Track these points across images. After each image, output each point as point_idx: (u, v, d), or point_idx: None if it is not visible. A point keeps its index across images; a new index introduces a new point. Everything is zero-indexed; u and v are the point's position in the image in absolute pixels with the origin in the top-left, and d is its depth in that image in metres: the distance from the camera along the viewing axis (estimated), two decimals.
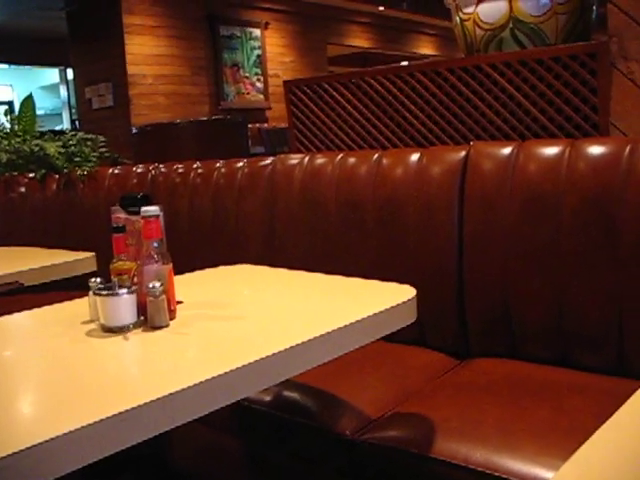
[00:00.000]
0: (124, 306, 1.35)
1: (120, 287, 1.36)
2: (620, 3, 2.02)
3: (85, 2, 7.08)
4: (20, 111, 3.62)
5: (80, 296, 1.57)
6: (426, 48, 12.09)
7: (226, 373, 1.10)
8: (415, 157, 2.11)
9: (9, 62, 10.06)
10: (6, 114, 3.66)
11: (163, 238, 1.38)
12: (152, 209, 1.36)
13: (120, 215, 1.44)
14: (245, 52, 8.30)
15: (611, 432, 0.84)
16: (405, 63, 2.68)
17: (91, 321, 1.43)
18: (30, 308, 1.71)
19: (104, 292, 1.36)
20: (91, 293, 1.41)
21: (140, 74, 7.01)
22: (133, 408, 0.99)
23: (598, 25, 2.33)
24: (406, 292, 1.49)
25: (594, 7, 2.37)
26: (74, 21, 7.36)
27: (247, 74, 8.32)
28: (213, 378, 1.09)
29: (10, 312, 1.65)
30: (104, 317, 1.37)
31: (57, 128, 8.50)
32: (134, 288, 1.36)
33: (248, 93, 8.31)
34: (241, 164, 2.57)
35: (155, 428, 1.02)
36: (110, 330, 1.35)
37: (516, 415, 1.55)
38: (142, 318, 1.37)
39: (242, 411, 1.83)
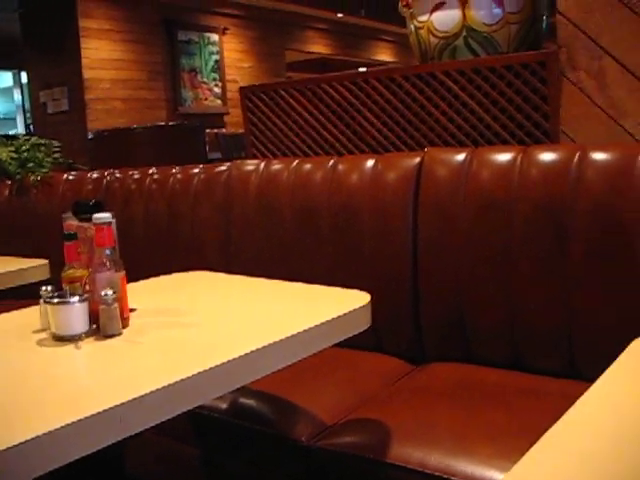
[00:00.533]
0: (76, 315, 1.33)
1: (72, 295, 1.34)
2: (569, 15, 2.07)
3: (40, 4, 6.98)
4: None
5: (32, 304, 1.55)
6: (384, 54, 12.19)
7: (181, 381, 1.10)
8: (370, 163, 2.12)
9: None
10: None
11: (116, 245, 1.37)
12: (104, 216, 1.34)
13: (72, 222, 1.43)
14: (203, 57, 8.26)
15: (561, 432, 0.86)
16: (363, 69, 2.69)
17: (42, 330, 1.41)
18: None
19: (55, 300, 1.34)
20: (42, 302, 1.39)
21: (96, 78, 6.94)
22: (86, 417, 0.98)
23: (549, 35, 2.38)
24: (360, 298, 1.50)
25: (544, 17, 2.42)
26: (28, 23, 7.25)
27: (205, 79, 8.29)
28: (167, 386, 1.08)
29: None
30: (55, 326, 1.35)
31: (11, 133, 8.36)
32: (86, 296, 1.34)
33: (206, 99, 8.28)
34: (197, 170, 2.56)
35: (108, 438, 1.01)
36: (62, 339, 1.33)
37: (471, 418, 1.57)
38: (94, 326, 1.35)
39: (197, 418, 1.82)
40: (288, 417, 1.72)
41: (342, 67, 9.68)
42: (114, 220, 1.36)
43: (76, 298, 1.33)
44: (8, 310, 1.62)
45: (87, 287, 1.37)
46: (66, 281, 1.38)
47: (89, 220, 1.38)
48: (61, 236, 1.40)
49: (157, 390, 1.07)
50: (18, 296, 2.28)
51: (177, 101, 7.87)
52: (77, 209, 1.42)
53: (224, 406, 1.78)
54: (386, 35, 11.75)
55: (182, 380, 1.10)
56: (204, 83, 8.25)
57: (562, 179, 1.76)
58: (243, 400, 1.79)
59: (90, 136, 5.66)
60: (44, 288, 1.41)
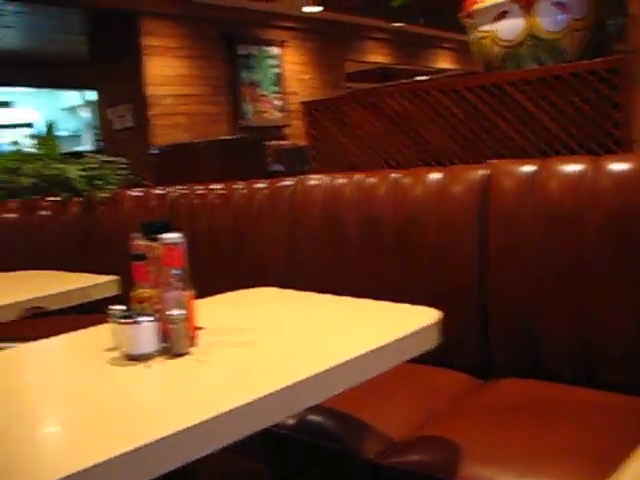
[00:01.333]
0: (146, 334, 1.35)
1: (141, 315, 1.36)
2: None
3: (104, 26, 7.16)
4: (43, 135, 3.67)
5: (97, 319, 1.57)
6: (444, 62, 12.09)
7: (252, 402, 1.10)
8: (435, 176, 2.10)
9: (33, 86, 10.20)
10: (32, 138, 3.70)
11: (184, 265, 1.38)
12: (173, 237, 1.36)
13: (140, 242, 1.44)
14: (263, 70, 8.34)
15: None
16: (421, 78, 2.67)
17: (113, 349, 1.43)
18: (54, 332, 1.71)
19: (126, 320, 1.36)
20: (112, 321, 1.42)
21: (159, 95, 7.07)
22: (162, 438, 0.99)
23: (617, 39, 2.32)
24: (430, 315, 1.48)
25: (611, 21, 2.36)
26: (94, 44, 7.45)
27: (265, 92, 8.36)
28: (239, 407, 1.08)
29: (34, 337, 1.66)
30: (126, 345, 1.37)
31: (79, 149, 8.59)
32: (156, 316, 1.36)
33: (266, 111, 8.35)
34: (261, 185, 2.57)
35: (182, 458, 1.02)
36: (133, 358, 1.35)
37: (541, 437, 1.53)
38: (164, 345, 1.37)
39: (267, 436, 1.82)
40: (356, 434, 1.71)
41: (402, 76, 9.64)
42: (184, 240, 1.37)
43: (146, 318, 1.35)
44: (75, 325, 1.66)
45: (156, 306, 1.39)
46: (135, 301, 1.40)
47: (157, 240, 1.39)
48: (129, 255, 1.42)
49: (228, 411, 1.07)
50: (81, 310, 2.34)
51: (238, 115, 7.96)
52: (145, 229, 1.44)
53: (293, 422, 1.78)
54: (446, 42, 11.66)
55: (254, 401, 1.10)
56: (264, 96, 8.33)
57: (635, 189, 1.70)
58: (312, 417, 1.78)
59: (153, 151, 5.76)
60: (113, 307, 1.43)
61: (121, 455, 0.94)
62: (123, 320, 1.36)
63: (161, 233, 1.39)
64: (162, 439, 0.99)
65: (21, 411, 1.21)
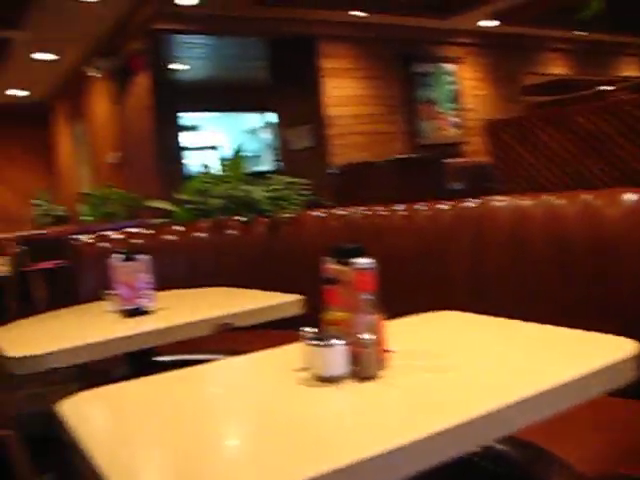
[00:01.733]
0: (337, 357, 1.38)
1: (333, 338, 1.39)
2: None
3: (284, 51, 7.46)
4: (231, 158, 3.86)
5: (289, 336, 1.61)
6: (629, 69, 11.44)
7: (446, 430, 1.09)
8: (631, 197, 1.98)
9: (219, 110, 10.86)
10: (221, 160, 3.90)
11: (375, 290, 1.40)
12: (365, 262, 1.38)
13: (331, 266, 1.48)
14: (439, 88, 8.31)
15: None
16: (604, 88, 2.54)
17: (302, 369, 1.47)
18: (241, 349, 1.80)
19: (317, 343, 1.40)
20: (304, 342, 1.46)
21: (336, 115, 7.24)
22: (356, 463, 1.00)
23: None
24: (627, 346, 1.40)
25: None
26: (275, 69, 7.77)
27: (442, 110, 8.32)
28: (432, 435, 1.08)
29: (221, 352, 1.75)
30: (317, 367, 1.40)
31: (259, 169, 8.97)
32: (347, 340, 1.38)
33: (443, 129, 8.31)
34: (444, 207, 2.55)
35: None
36: (323, 380, 1.39)
37: None
38: (354, 368, 1.39)
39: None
40: (544, 466, 1.64)
41: (580, 87, 9.22)
42: (375, 265, 1.39)
43: (337, 341, 1.38)
44: (262, 342, 1.71)
45: (347, 329, 1.41)
46: (327, 323, 1.43)
47: (349, 264, 1.42)
48: (321, 279, 1.46)
49: (422, 438, 1.07)
50: (269, 325, 2.43)
51: (414, 133, 7.98)
52: (336, 253, 1.47)
53: (477, 449, 1.74)
54: (630, 48, 11.04)
55: (447, 429, 1.09)
56: (441, 113, 8.29)
57: None
58: (497, 445, 1.74)
59: (330, 171, 5.90)
60: (305, 329, 1.47)
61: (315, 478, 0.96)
62: (315, 342, 1.39)
63: (352, 257, 1.41)
64: (351, 465, 1.00)
65: (209, 426, 1.28)
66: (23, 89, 8.33)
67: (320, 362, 1.39)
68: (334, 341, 1.38)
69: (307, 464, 1.02)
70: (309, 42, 7.20)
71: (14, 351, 1.98)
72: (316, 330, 1.45)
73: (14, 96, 8.64)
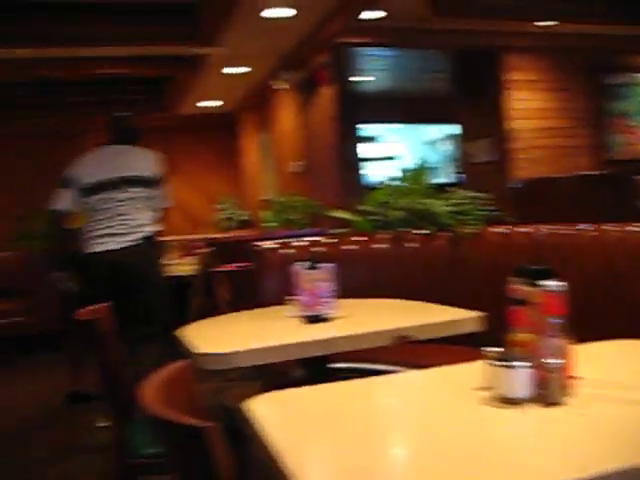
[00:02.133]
0: (521, 379, 1.36)
1: (517, 360, 1.37)
2: None
3: (468, 63, 7.38)
4: (412, 170, 3.88)
5: (463, 353, 1.60)
6: None
7: (633, 469, 1.04)
8: None
9: (400, 122, 10.96)
10: (403, 172, 3.92)
11: (565, 314, 1.36)
12: (555, 284, 1.35)
13: (519, 287, 1.46)
14: (632, 100, 7.86)
15: None
16: None
17: (484, 388, 1.46)
18: (417, 363, 1.81)
19: (502, 363, 1.38)
20: (486, 362, 1.45)
21: (519, 128, 7.06)
22: None
23: None
24: None
25: None
26: (458, 81, 7.71)
27: (633, 123, 7.87)
28: (615, 472, 1.03)
29: (396, 363, 1.77)
30: (499, 387, 1.39)
31: (438, 181, 8.93)
32: (531, 362, 1.36)
33: (634, 143, 7.84)
34: (636, 229, 2.43)
35: None
36: (504, 401, 1.37)
37: None
38: (538, 392, 1.36)
39: None
40: None
41: None
42: (565, 288, 1.36)
43: (522, 363, 1.36)
44: (442, 355, 1.71)
45: (532, 352, 1.39)
46: (512, 345, 1.41)
47: (537, 285, 1.39)
48: (508, 299, 1.44)
49: (609, 474, 1.03)
50: (444, 340, 2.41)
51: (602, 147, 7.60)
52: (524, 273, 1.45)
53: None
54: None
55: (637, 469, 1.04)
56: (632, 127, 7.84)
57: None
58: None
59: (512, 185, 5.76)
60: (488, 349, 1.46)
61: None
62: (500, 363, 1.38)
63: (541, 279, 1.39)
64: None
65: (386, 436, 1.30)
66: (215, 100, 8.84)
67: (504, 383, 1.38)
68: (519, 363, 1.36)
69: None
70: (493, 54, 7.09)
71: (205, 348, 2.12)
72: (500, 350, 1.44)
73: (207, 107, 9.19)
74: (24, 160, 9.16)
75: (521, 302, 1.42)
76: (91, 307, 2.54)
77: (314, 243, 3.76)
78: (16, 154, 9.14)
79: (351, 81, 8.80)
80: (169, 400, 1.16)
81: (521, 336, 1.41)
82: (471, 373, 1.61)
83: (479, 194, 3.51)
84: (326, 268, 2.51)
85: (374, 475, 1.15)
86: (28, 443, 4.19)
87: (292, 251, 3.70)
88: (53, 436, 4.30)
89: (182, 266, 6.98)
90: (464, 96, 7.58)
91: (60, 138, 9.24)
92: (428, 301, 2.71)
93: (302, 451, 1.24)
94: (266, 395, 1.61)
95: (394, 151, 11.24)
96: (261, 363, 2.99)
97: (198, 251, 6.49)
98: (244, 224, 9.47)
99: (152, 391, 1.20)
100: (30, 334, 7.21)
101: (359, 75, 8.72)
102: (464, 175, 7.80)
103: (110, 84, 8.51)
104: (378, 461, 1.22)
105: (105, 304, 2.64)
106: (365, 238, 3.69)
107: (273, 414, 1.50)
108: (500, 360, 1.39)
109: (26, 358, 6.97)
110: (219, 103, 9.14)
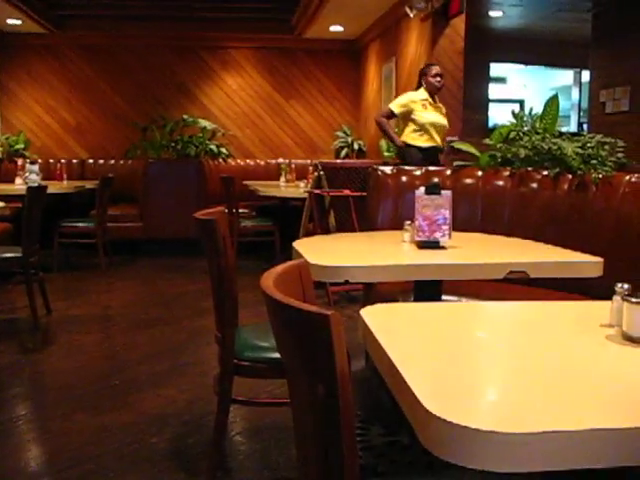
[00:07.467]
0: None
1: None
2: None
3: (614, 3, 6.93)
4: (544, 110, 3.72)
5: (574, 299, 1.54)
6: None
7: None
8: None
9: (525, 62, 10.47)
10: (515, 116, 3.77)
11: None
12: None
13: None
14: None
15: None
16: None
17: (610, 326, 1.41)
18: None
19: (634, 300, 1.32)
20: (617, 298, 1.39)
21: None
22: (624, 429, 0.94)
23: None
24: None
25: None
26: (599, 23, 7.27)
27: None
28: None
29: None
30: (628, 325, 1.33)
31: (563, 130, 8.57)
32: None
33: None
34: None
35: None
36: (631, 339, 1.31)
37: None
38: None
39: None
40: None
41: None
42: None
43: None
44: (556, 299, 1.65)
45: None
46: None
47: None
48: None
49: None
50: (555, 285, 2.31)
51: None
52: None
53: None
54: None
55: None
56: None
57: None
58: None
59: None
60: (620, 285, 1.40)
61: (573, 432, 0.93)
62: (632, 299, 1.32)
63: None
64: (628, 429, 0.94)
65: (499, 359, 1.27)
66: (343, 24, 8.70)
67: (632, 320, 1.32)
68: None
69: (595, 417, 0.98)
70: None
71: (316, 260, 2.11)
72: (630, 287, 1.37)
73: (333, 32, 9.06)
74: (151, 76, 9.38)
75: None
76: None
77: (432, 173, 3.69)
78: (145, 68, 9.36)
79: (484, 15, 8.47)
80: (287, 292, 1.17)
81: None
82: (595, 309, 1.56)
83: (612, 140, 3.33)
84: (446, 195, 2.46)
85: (487, 392, 1.13)
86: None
87: (409, 179, 3.65)
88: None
89: (293, 188, 7.08)
90: (602, 40, 7.14)
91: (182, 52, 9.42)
92: (547, 243, 2.63)
93: (417, 363, 1.22)
94: (380, 305, 1.61)
95: (521, 94, 10.83)
96: (371, 281, 3.02)
97: (310, 175, 6.53)
98: (360, 153, 9.43)
99: (272, 282, 1.21)
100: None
101: (494, 10, 8.38)
102: (592, 125, 7.42)
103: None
104: (489, 376, 1.20)
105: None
106: (485, 173, 3.59)
107: (386, 323, 1.50)
108: (634, 297, 1.33)
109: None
110: (345, 29, 8.99)
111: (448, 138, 5.59)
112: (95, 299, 5.63)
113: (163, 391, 3.39)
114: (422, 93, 5.67)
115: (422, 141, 5.58)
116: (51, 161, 8.45)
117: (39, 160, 7.54)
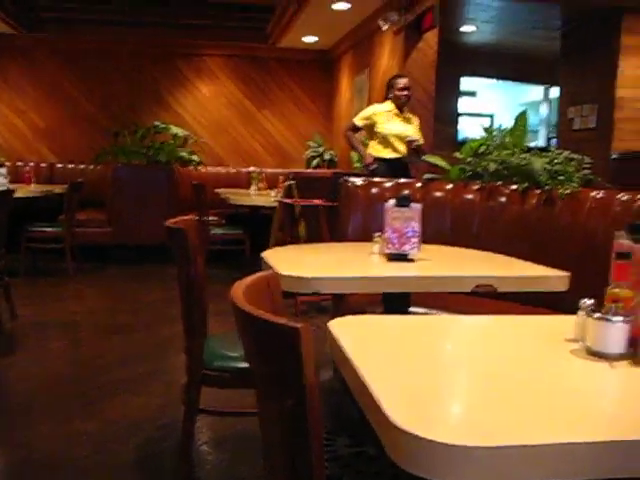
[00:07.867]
0: (615, 334, 1.32)
1: (615, 314, 1.33)
2: None
3: (583, 22, 7.06)
4: (514, 125, 3.77)
5: (542, 313, 1.57)
6: None
7: None
8: None
9: (498, 78, 10.61)
10: (486, 130, 3.82)
11: None
12: None
13: (624, 242, 1.41)
14: None
15: None
16: None
17: (575, 340, 1.43)
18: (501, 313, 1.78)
19: (596, 315, 1.35)
20: (582, 313, 1.41)
21: (629, 97, 6.73)
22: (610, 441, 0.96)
23: None
24: None
25: None
26: (568, 40, 7.40)
27: None
28: None
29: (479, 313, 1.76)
30: (592, 340, 1.35)
31: (532, 144, 8.69)
32: (629, 318, 1.32)
33: None
34: None
35: (610, 471, 0.97)
36: (595, 355, 1.34)
37: None
38: (632, 350, 1.32)
39: None
40: None
41: None
42: None
43: (619, 318, 1.32)
44: (523, 312, 1.68)
45: (629, 309, 1.35)
46: (610, 299, 1.37)
47: None
48: (615, 254, 1.40)
49: None
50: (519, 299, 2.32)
51: None
52: (633, 229, 1.40)
53: None
54: None
55: None
56: None
57: None
58: None
59: (614, 156, 5.54)
60: (584, 301, 1.42)
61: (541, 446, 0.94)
62: (596, 315, 1.34)
63: None
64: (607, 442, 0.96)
65: (464, 371, 1.29)
66: (316, 35, 8.74)
67: (595, 336, 1.34)
68: (613, 317, 1.32)
69: (560, 431, 1.00)
70: (613, 14, 6.71)
71: (287, 271, 2.12)
72: (595, 302, 1.40)
73: (306, 43, 9.10)
74: (124, 82, 9.34)
75: (627, 256, 1.37)
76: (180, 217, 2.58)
77: (402, 185, 3.72)
78: (118, 73, 9.32)
79: (457, 30, 8.57)
80: (256, 303, 1.17)
81: (621, 291, 1.36)
82: (560, 324, 1.58)
83: (579, 156, 3.39)
84: (416, 208, 2.49)
85: (453, 406, 1.15)
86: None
87: (380, 190, 3.68)
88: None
89: (263, 197, 7.08)
90: (571, 57, 7.27)
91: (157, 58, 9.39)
92: (513, 257, 2.66)
93: (385, 376, 1.24)
94: (349, 317, 1.62)
95: (490, 108, 10.96)
96: (341, 292, 3.03)
97: (281, 184, 6.54)
98: (331, 164, 9.46)
99: (241, 293, 1.22)
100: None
101: (465, 24, 8.47)
102: (560, 141, 7.54)
103: (222, 8, 8.55)
104: (456, 390, 1.22)
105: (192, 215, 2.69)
106: (454, 186, 3.63)
107: (354, 335, 1.51)
108: (596, 313, 1.35)
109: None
110: (319, 40, 9.04)
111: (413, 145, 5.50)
112: (62, 305, 5.57)
113: (131, 398, 3.36)
114: (387, 105, 5.68)
115: (386, 153, 5.60)
116: (19, 164, 8.36)
117: (7, 163, 7.44)
